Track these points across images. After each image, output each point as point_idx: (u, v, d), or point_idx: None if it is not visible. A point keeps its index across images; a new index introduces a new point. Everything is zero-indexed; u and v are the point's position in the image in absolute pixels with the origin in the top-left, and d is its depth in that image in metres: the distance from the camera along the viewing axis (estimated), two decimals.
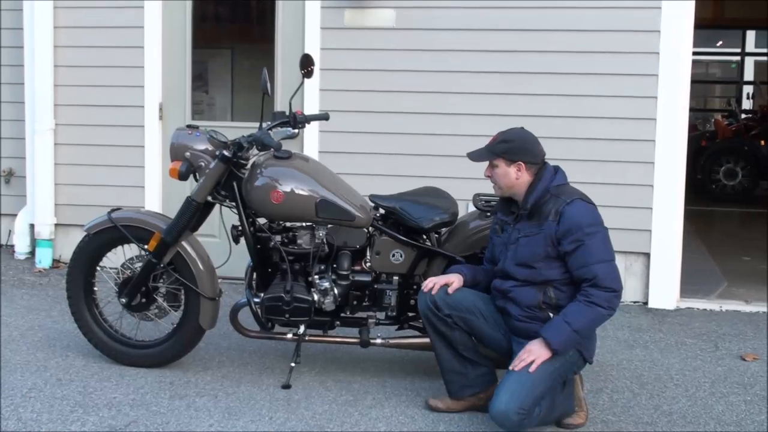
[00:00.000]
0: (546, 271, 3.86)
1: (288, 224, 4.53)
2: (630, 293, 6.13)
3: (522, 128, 4.05)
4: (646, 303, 6.13)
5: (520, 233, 3.91)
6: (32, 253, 6.97)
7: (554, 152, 5.92)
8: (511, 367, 3.81)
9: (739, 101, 16.64)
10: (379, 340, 4.48)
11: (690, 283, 6.37)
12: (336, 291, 4.41)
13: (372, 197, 4.52)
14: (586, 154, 6.05)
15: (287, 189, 4.31)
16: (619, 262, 5.76)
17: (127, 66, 6.64)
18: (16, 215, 7.02)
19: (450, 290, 4.07)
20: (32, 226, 6.93)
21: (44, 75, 6.71)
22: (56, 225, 6.89)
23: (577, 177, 5.95)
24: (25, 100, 6.84)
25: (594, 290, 3.76)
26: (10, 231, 7.20)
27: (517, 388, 3.74)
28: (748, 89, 16.98)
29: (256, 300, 4.46)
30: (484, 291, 4.16)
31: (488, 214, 4.44)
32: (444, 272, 4.29)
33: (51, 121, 6.77)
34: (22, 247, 7.00)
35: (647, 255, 6.09)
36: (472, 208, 4.55)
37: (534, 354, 3.78)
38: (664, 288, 6.09)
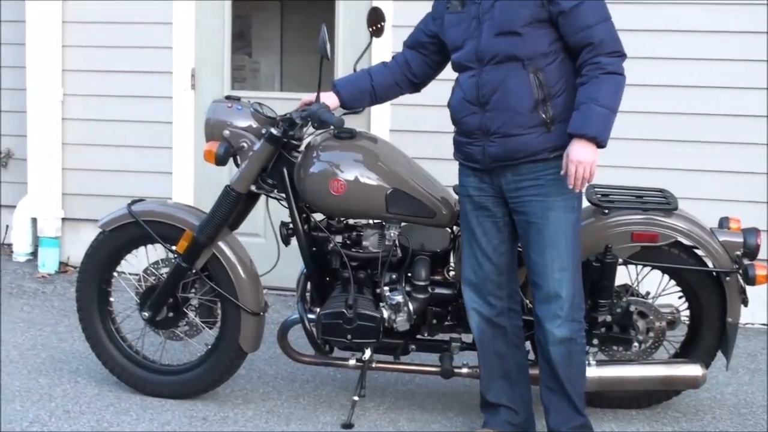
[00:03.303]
0: (532, 40, 3.88)
1: (351, 221, 4.55)
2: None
3: None
4: None
5: None
6: (34, 254, 7.12)
7: (631, 130, 5.94)
8: (571, 186, 3.83)
9: None
10: (465, 370, 4.48)
11: None
12: (411, 306, 4.41)
13: (457, 188, 4.51)
14: (685, 132, 6.04)
15: (350, 177, 4.32)
16: None
17: (151, 22, 6.73)
18: (14, 207, 7.14)
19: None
20: (34, 220, 7.06)
21: (50, 34, 6.83)
22: (64, 220, 7.03)
23: (668, 161, 6.00)
24: (26, 65, 6.95)
25: (604, 58, 3.84)
26: (7, 226, 7.34)
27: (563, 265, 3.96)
28: None
29: (311, 316, 4.48)
30: (382, 94, 4.47)
31: (606, 210, 4.41)
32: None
33: (58, 90, 6.90)
34: (22, 246, 7.15)
35: None
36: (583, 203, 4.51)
37: (584, 160, 3.80)
38: None
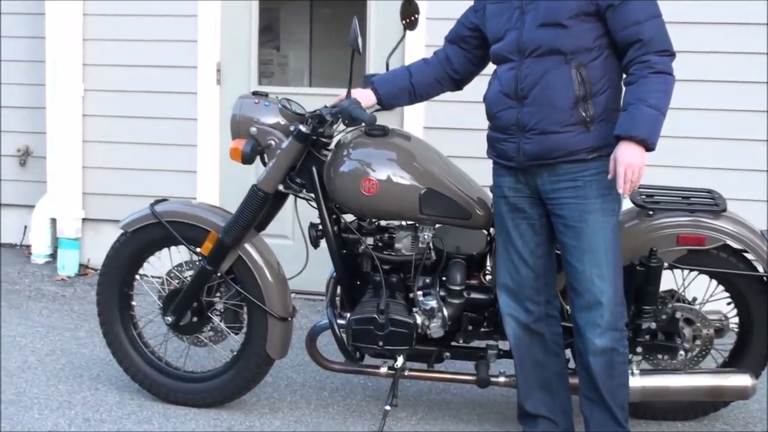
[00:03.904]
0: (577, 33, 3.86)
1: (383, 223, 4.55)
2: None
3: None
4: None
5: None
6: (53, 255, 7.15)
7: (677, 128, 5.85)
8: (620, 190, 3.79)
9: None
10: (502, 378, 4.47)
11: None
12: (445, 312, 4.39)
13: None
14: (735, 129, 6.00)
15: (382, 176, 4.31)
16: None
17: (176, 15, 6.75)
18: (33, 207, 7.19)
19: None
20: (54, 221, 7.10)
21: (71, 27, 6.86)
22: (84, 220, 7.06)
23: (717, 160, 6.01)
24: (45, 59, 6.99)
25: (653, 56, 3.81)
26: (25, 227, 7.39)
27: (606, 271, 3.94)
28: None
29: (341, 322, 4.47)
30: (422, 92, 4.44)
31: (650, 212, 4.38)
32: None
33: (79, 85, 6.93)
34: (40, 248, 7.19)
35: None
36: (626, 204, 4.48)
37: (633, 163, 3.75)
38: None
